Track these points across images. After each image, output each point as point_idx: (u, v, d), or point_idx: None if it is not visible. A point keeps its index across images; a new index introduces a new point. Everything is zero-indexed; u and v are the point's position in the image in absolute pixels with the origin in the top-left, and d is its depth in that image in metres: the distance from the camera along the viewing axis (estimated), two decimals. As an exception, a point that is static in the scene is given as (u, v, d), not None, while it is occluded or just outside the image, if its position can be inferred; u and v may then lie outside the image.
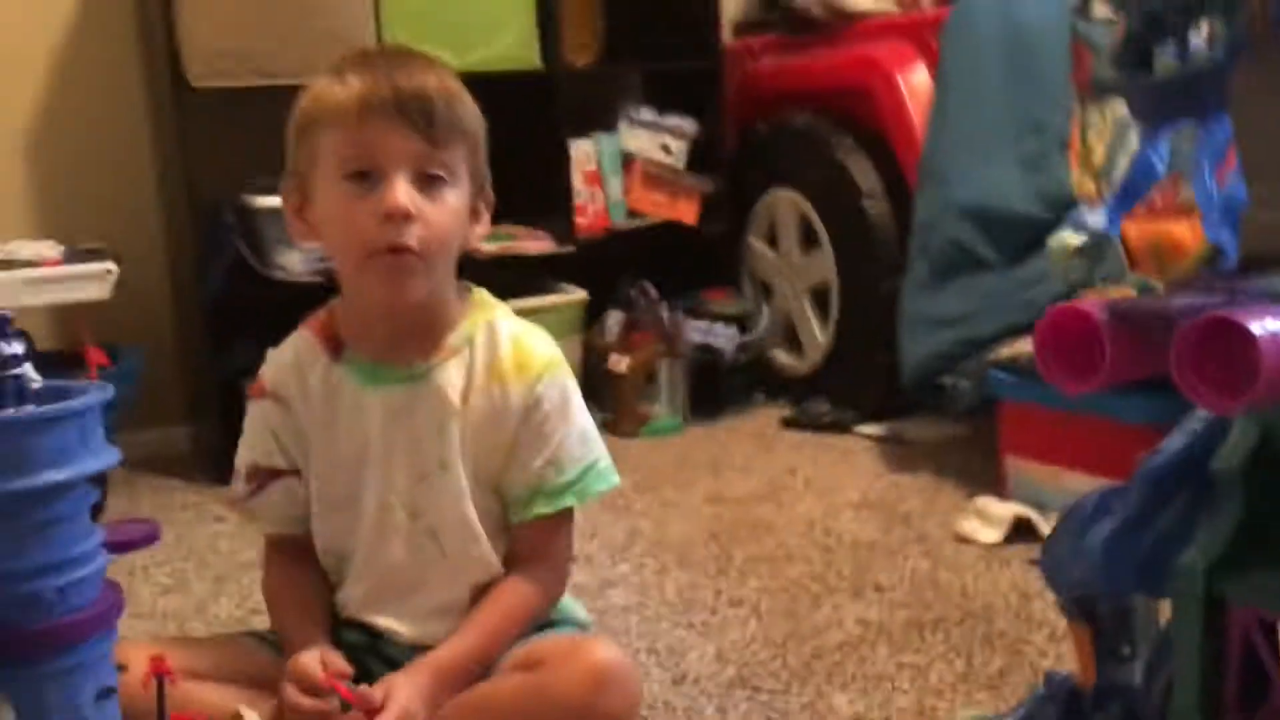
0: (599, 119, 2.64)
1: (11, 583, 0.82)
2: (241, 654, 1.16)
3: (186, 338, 2.46)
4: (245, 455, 1.20)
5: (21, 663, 0.83)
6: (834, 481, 2.06)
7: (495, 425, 1.15)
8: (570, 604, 1.27)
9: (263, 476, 1.19)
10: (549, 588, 1.19)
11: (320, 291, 1.24)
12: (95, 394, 0.85)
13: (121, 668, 0.90)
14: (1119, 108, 1.70)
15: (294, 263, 2.21)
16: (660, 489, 2.06)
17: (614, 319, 2.53)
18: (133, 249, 2.26)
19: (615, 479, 1.19)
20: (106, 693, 0.87)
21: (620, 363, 2.44)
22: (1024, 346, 1.77)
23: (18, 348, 0.84)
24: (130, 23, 2.44)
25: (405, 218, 1.05)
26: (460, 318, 1.17)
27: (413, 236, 1.06)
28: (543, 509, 1.16)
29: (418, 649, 1.14)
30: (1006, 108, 2.00)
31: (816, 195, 2.49)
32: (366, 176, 1.07)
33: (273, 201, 2.17)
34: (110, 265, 2.02)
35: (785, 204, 2.58)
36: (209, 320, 2.25)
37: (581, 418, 1.18)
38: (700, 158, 2.67)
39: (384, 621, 1.17)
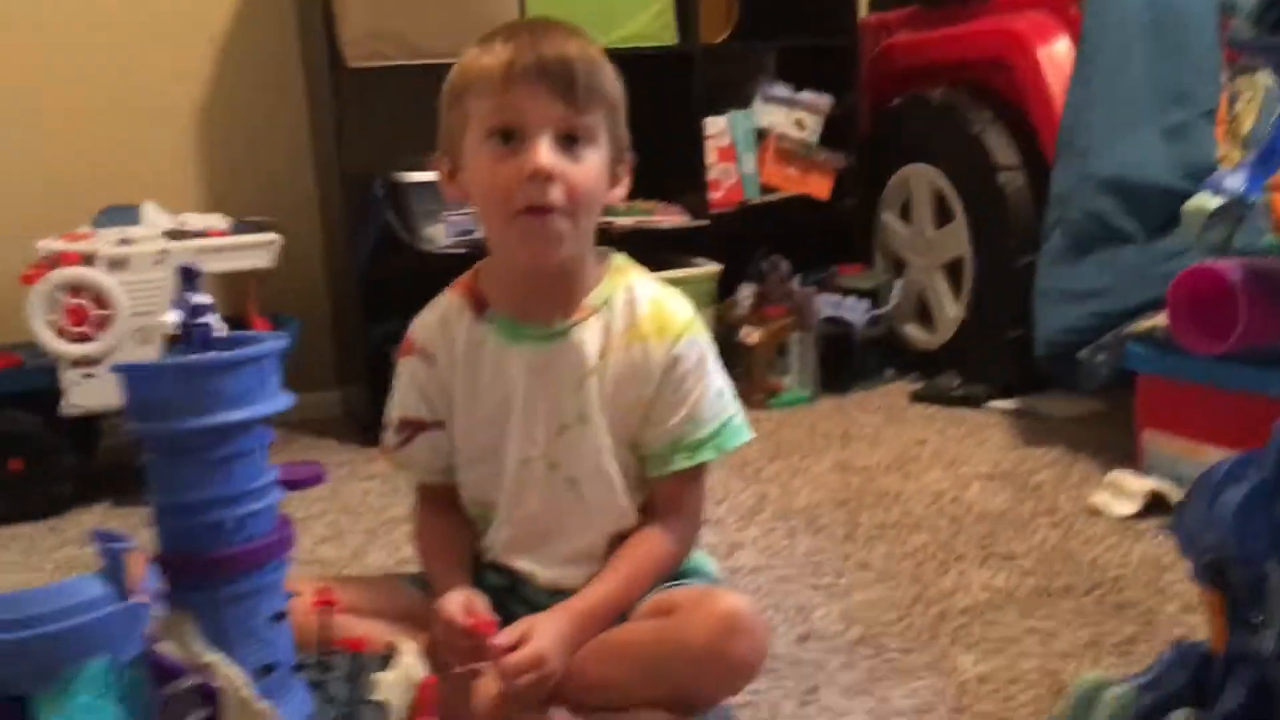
0: (733, 95, 2.67)
1: (196, 512, 0.90)
2: (395, 593, 1.24)
3: (338, 307, 2.59)
4: (395, 409, 1.28)
5: (204, 585, 0.91)
6: (963, 454, 2.06)
7: (634, 383, 1.20)
8: (702, 558, 1.32)
9: (410, 428, 1.26)
10: (684, 539, 1.24)
11: (464, 262, 1.30)
12: (272, 342, 0.93)
13: (292, 595, 0.99)
14: (1268, 77, 1.65)
15: (439, 235, 2.31)
16: (789, 457, 2.10)
17: (746, 292, 2.57)
18: (290, 222, 2.37)
19: (749, 434, 1.24)
20: (279, 616, 0.95)
21: (751, 335, 2.47)
22: (1163, 319, 1.74)
23: (205, 299, 0.93)
24: (290, 8, 2.57)
25: (547, 178, 1.10)
26: (599, 280, 1.22)
27: (555, 196, 1.11)
28: (682, 463, 1.21)
29: (556, 593, 1.21)
30: (1150, 78, 1.96)
31: (952, 169, 2.47)
32: (511, 138, 1.12)
33: (421, 176, 2.27)
34: (274, 235, 2.15)
35: (920, 179, 2.57)
36: (359, 290, 2.36)
37: (717, 375, 1.23)
38: (834, 133, 2.68)
39: (524, 566, 1.24)
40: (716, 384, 1.22)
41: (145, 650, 0.81)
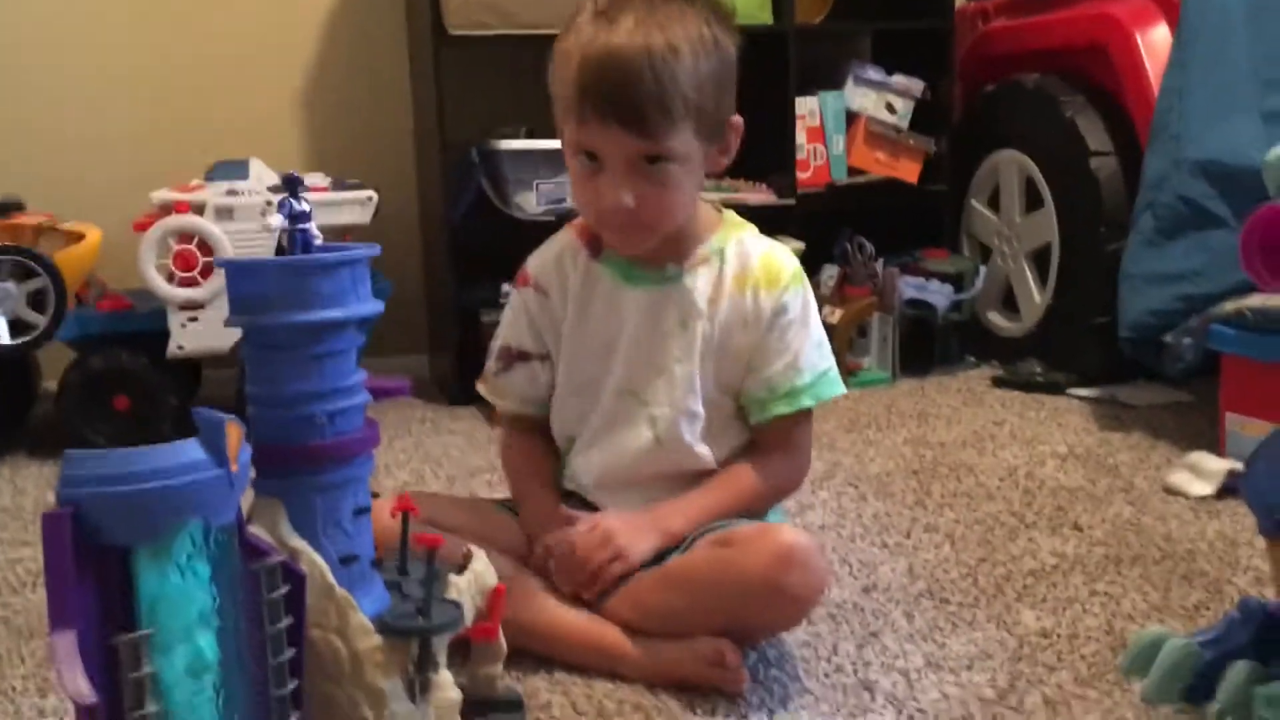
0: (826, 76, 2.68)
1: (291, 404, 0.96)
2: (476, 512, 1.30)
3: (431, 271, 2.66)
4: (500, 337, 1.35)
5: (294, 474, 0.96)
6: (1042, 434, 2.05)
7: (742, 330, 1.25)
8: (776, 512, 1.35)
9: (511, 357, 1.33)
10: (781, 479, 1.29)
11: (556, 229, 1.35)
12: (364, 250, 0.98)
13: (375, 495, 1.04)
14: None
15: (531, 202, 2.36)
16: (864, 430, 2.11)
17: (829, 272, 2.58)
18: (388, 186, 2.45)
19: (844, 387, 1.29)
20: (362, 511, 1.01)
21: (833, 314, 2.48)
22: (1251, 301, 1.72)
23: (306, 206, 0.99)
24: (396, -24, 2.65)
25: (625, 213, 1.16)
26: (711, 232, 1.28)
27: (634, 220, 1.17)
28: (782, 409, 1.25)
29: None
30: (1250, 62, 1.92)
31: (1043, 156, 2.46)
32: (593, 158, 1.17)
33: (514, 144, 2.33)
34: (371, 193, 2.22)
35: (1010, 165, 2.56)
36: (452, 255, 2.42)
37: (818, 328, 1.28)
38: (926, 117, 2.68)
39: (603, 499, 1.29)
40: (817, 335, 1.28)
41: (238, 521, 0.86)
